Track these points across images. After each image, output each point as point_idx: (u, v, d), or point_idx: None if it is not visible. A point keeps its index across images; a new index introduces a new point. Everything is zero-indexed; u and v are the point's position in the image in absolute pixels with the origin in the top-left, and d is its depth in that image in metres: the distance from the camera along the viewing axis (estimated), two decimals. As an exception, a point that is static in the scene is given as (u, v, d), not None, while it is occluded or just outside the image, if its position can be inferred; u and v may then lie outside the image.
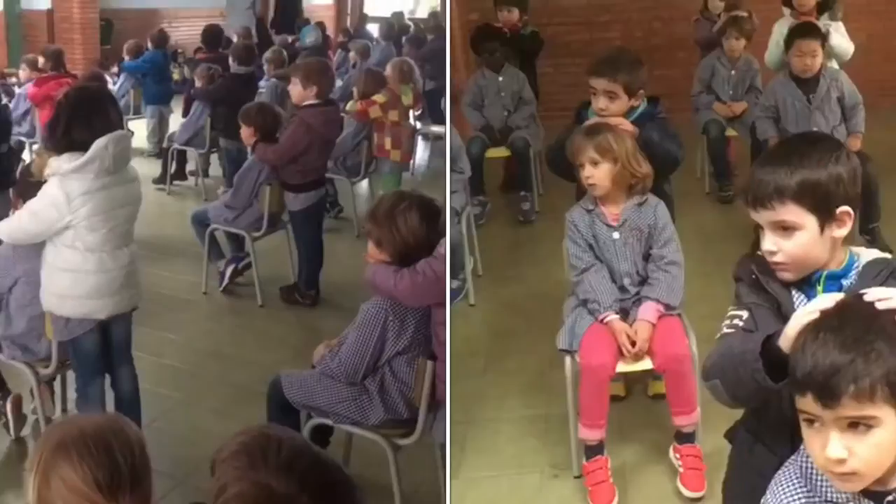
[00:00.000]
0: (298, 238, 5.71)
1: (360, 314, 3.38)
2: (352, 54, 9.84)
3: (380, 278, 3.32)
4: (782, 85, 5.40)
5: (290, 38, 10.69)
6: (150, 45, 8.87)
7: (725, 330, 2.10)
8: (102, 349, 3.71)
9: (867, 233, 5.40)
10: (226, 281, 5.75)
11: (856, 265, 2.05)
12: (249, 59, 7.56)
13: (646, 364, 3.50)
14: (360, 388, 3.40)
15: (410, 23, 11.91)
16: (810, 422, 1.66)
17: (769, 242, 2.02)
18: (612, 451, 3.55)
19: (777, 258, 2.02)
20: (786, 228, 2.00)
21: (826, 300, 1.79)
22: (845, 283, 2.04)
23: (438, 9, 12.17)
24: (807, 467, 1.76)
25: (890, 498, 1.69)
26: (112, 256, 3.60)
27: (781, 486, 1.79)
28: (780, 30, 5.62)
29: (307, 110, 5.52)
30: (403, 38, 10.51)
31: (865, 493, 1.69)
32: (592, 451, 3.48)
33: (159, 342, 4.90)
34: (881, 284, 1.91)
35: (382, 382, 3.39)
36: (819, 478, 1.73)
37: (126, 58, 9.00)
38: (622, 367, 3.50)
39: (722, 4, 7.13)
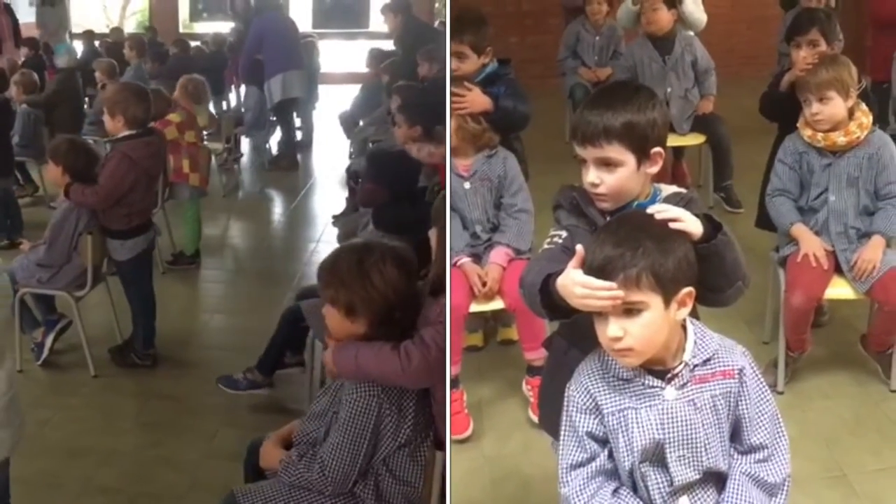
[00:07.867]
0: (130, 291, 4.51)
1: (346, 408, 2.45)
2: (98, 74, 8.41)
3: (375, 364, 2.42)
4: (640, 46, 5.44)
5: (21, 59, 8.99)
6: None
7: (546, 246, 2.20)
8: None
9: (722, 190, 5.54)
10: (45, 352, 4.46)
11: (658, 197, 2.18)
12: (1, 83, 6.09)
13: (497, 304, 3.55)
14: (347, 497, 2.51)
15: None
16: (598, 314, 1.86)
17: (593, 175, 2.12)
18: (470, 391, 3.65)
19: (599, 189, 2.13)
20: (609, 164, 2.10)
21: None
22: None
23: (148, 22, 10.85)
24: (602, 355, 1.96)
25: (669, 375, 1.91)
26: None
27: (582, 370, 2.00)
28: None
29: (125, 143, 4.36)
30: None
31: (651, 371, 1.91)
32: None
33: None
34: None
35: (378, 486, 2.51)
36: (611, 361, 1.93)
37: None
38: (476, 307, 3.53)
39: None
